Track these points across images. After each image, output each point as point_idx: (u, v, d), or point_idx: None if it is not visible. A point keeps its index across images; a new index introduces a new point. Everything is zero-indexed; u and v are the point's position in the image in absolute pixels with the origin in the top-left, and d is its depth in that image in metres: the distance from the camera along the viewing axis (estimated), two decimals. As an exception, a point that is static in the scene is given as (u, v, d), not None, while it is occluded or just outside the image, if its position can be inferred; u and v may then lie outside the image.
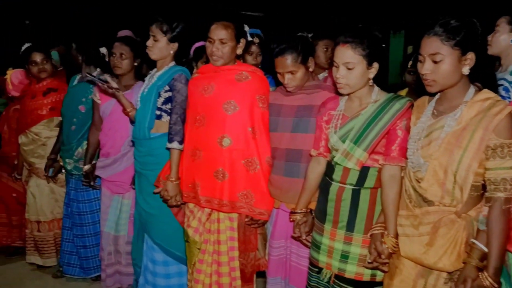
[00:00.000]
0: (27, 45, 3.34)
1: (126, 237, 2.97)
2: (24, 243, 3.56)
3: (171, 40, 2.49)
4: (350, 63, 1.87)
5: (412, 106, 1.91)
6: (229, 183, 2.33)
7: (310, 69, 2.28)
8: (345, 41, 1.88)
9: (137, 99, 2.63)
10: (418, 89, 2.50)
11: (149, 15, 2.50)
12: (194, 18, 2.83)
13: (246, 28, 2.44)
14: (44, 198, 3.39)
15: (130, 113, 2.62)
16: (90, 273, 3.30)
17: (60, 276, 3.38)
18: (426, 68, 1.68)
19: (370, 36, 1.89)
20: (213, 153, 2.34)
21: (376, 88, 1.99)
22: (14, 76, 3.55)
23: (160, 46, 2.48)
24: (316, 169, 2.13)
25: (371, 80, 1.94)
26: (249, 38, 2.51)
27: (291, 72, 2.23)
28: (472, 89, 1.72)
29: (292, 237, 2.24)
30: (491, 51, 2.37)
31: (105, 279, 3.06)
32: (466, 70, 1.66)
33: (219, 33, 2.29)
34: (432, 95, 1.83)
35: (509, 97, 2.28)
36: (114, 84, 2.57)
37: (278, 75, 2.29)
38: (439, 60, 1.64)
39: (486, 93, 1.70)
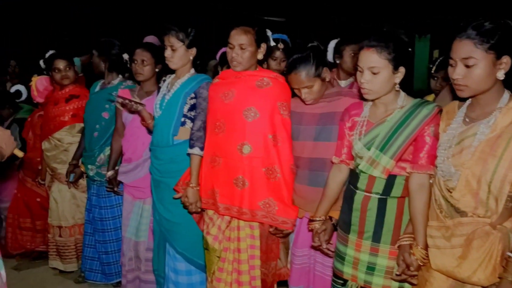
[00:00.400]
0: (50, 52, 3.38)
1: (146, 243, 2.95)
2: (47, 247, 3.59)
3: (189, 46, 2.47)
4: (375, 68, 1.80)
5: (440, 112, 1.83)
6: (249, 191, 2.29)
7: (326, 79, 2.22)
8: (370, 45, 1.82)
9: (155, 106, 2.61)
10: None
11: (163, 27, 2.48)
12: (194, 18, 2.80)
13: (269, 33, 2.40)
14: (65, 203, 3.41)
15: (150, 125, 2.62)
16: (112, 278, 3.29)
17: (82, 282, 3.39)
18: (457, 73, 1.61)
19: (396, 40, 1.83)
20: (233, 161, 2.31)
21: (402, 94, 1.92)
22: (39, 82, 3.60)
23: (179, 55, 2.46)
24: (338, 177, 2.08)
25: (397, 85, 1.88)
26: (272, 43, 2.47)
27: (307, 87, 2.18)
28: (506, 95, 1.63)
29: (312, 246, 2.18)
30: None
31: (125, 284, 3.04)
32: (501, 75, 1.58)
33: (239, 38, 2.26)
34: (463, 100, 1.75)
35: None
36: (136, 100, 2.59)
37: (295, 90, 2.24)
38: (472, 64, 1.57)
39: (522, 98, 1.61)
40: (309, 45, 2.26)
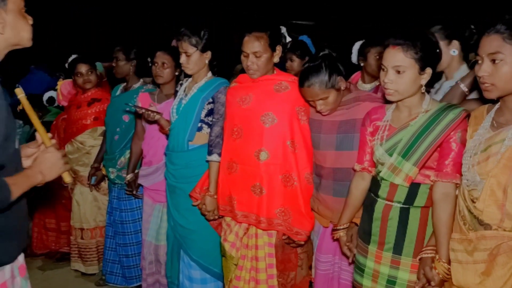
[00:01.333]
0: (73, 56, 3.43)
1: (166, 247, 2.92)
2: (70, 249, 3.62)
3: (203, 50, 2.43)
4: (401, 67, 1.70)
5: (468, 116, 1.71)
6: (267, 199, 2.23)
7: (342, 88, 2.11)
8: (396, 43, 1.72)
9: (172, 110, 2.59)
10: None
11: (176, 32, 2.44)
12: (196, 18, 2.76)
13: (283, 29, 2.33)
14: (87, 206, 3.44)
15: (168, 132, 2.60)
16: (132, 282, 3.28)
17: (102, 285, 3.40)
18: (483, 70, 1.49)
19: (423, 39, 1.73)
20: (250, 167, 2.25)
21: (428, 97, 1.81)
22: (63, 87, 3.67)
23: (194, 60, 2.42)
24: (361, 185, 1.98)
25: (423, 87, 1.77)
26: (288, 39, 2.39)
27: (322, 99, 2.08)
28: (538, 98, 1.51)
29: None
30: (439, 68, 2.15)
31: (146, 288, 3.04)
32: None
33: (252, 46, 2.19)
34: (491, 102, 1.62)
35: None
36: (152, 108, 2.59)
37: (310, 102, 2.16)
38: (500, 60, 1.45)
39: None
40: (321, 53, 2.14)
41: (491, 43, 1.48)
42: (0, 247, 1.44)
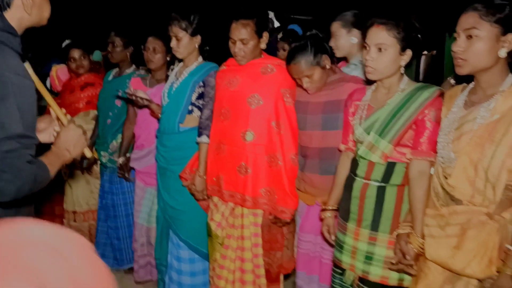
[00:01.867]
0: (67, 41, 3.44)
1: (157, 229, 2.97)
2: (64, 233, 3.66)
3: (193, 34, 2.45)
4: (383, 45, 1.74)
5: (442, 95, 1.75)
6: (252, 178, 2.27)
7: (327, 67, 2.16)
8: (380, 22, 1.77)
9: (163, 94, 2.62)
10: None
11: (166, 17, 2.47)
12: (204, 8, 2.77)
13: (271, 14, 2.37)
14: (79, 189, 3.46)
15: (159, 115, 2.64)
16: (124, 264, 3.33)
17: (95, 267, 3.44)
18: (458, 45, 1.53)
19: (406, 21, 1.77)
20: (237, 148, 2.29)
21: (406, 78, 1.85)
22: (61, 72, 3.68)
23: (184, 44, 2.45)
24: (347, 164, 2.03)
25: (402, 68, 1.81)
26: (276, 24, 2.44)
27: (307, 76, 2.14)
28: (510, 78, 1.54)
29: (323, 236, 2.17)
30: (339, 54, 2.45)
31: (137, 270, 3.09)
32: (503, 53, 1.49)
33: (239, 33, 2.23)
34: (466, 80, 1.66)
35: None
36: (142, 95, 2.61)
37: (297, 80, 2.21)
38: (474, 35, 1.49)
39: (526, 82, 1.52)
40: (308, 33, 2.20)
41: (467, 19, 1.52)
42: None
